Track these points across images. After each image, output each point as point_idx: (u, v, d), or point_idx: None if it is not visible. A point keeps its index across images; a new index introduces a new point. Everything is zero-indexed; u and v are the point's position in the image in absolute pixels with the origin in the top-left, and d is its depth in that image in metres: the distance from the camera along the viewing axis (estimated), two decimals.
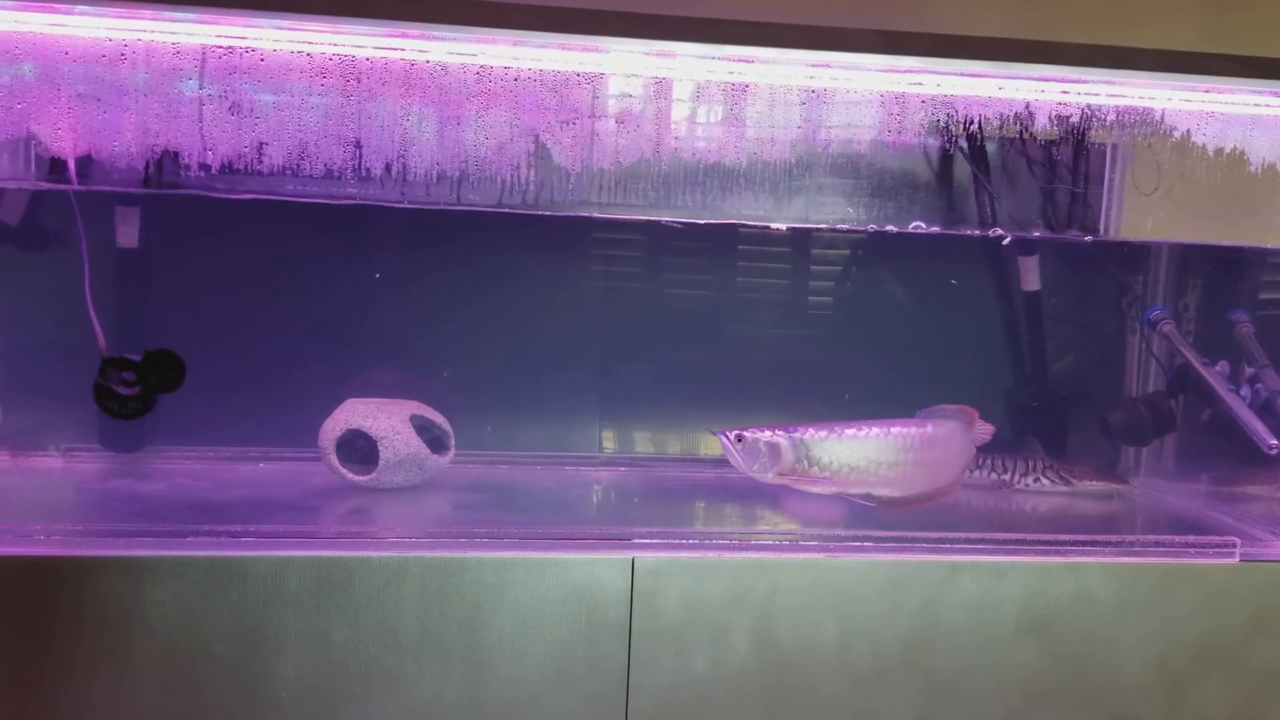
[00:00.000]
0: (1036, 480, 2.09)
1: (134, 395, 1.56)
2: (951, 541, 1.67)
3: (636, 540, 1.63)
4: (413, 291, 2.03)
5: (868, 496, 1.73)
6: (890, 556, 1.64)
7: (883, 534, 1.68)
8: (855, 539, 1.67)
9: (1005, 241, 2.01)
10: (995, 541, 1.69)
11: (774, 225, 1.79)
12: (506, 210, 1.71)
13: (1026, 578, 1.66)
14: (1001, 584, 1.65)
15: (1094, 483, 2.10)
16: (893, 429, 1.71)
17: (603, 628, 1.59)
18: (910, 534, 1.68)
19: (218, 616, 1.52)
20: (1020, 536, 1.71)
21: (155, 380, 1.56)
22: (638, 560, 1.59)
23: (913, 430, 1.72)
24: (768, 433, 1.68)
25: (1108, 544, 1.73)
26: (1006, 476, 2.09)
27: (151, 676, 1.52)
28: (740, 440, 1.68)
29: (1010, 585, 1.65)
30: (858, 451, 1.70)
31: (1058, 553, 1.69)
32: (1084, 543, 1.72)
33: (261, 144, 1.54)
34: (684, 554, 1.61)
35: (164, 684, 1.52)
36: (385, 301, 2.03)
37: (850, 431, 1.70)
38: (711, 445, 2.16)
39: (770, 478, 1.71)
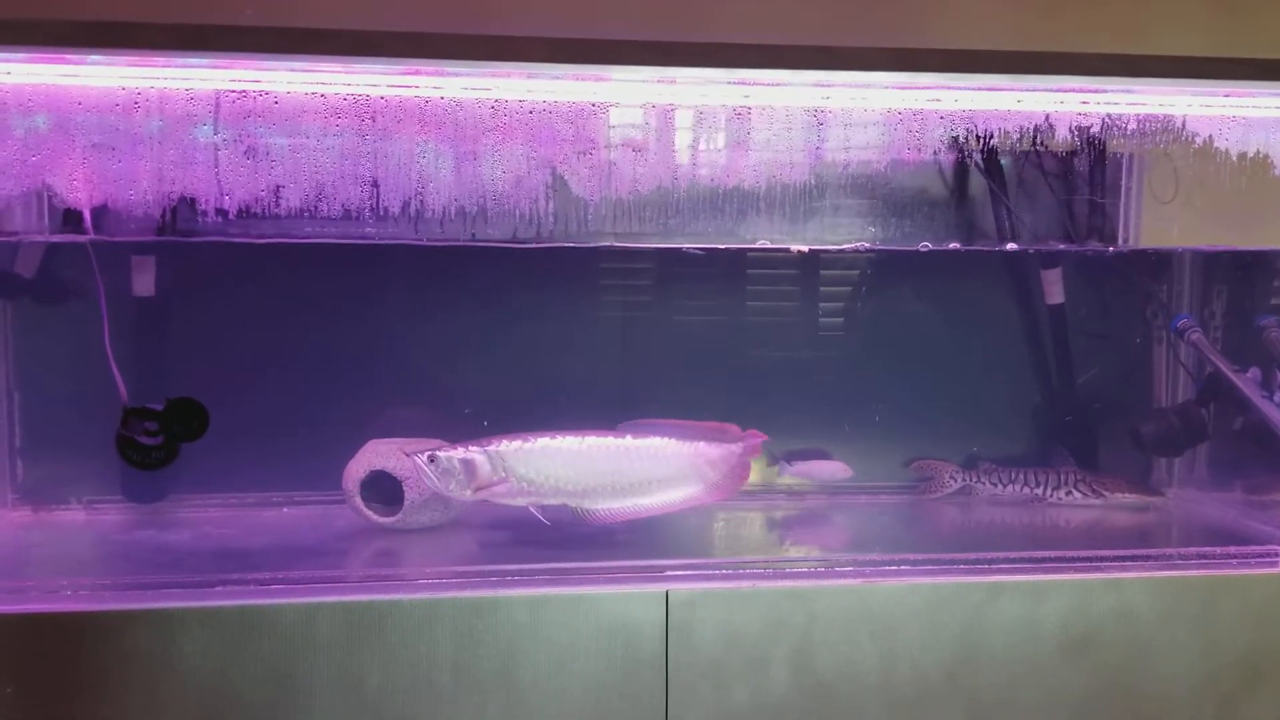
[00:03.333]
0: (1069, 494, 2.06)
1: (157, 445, 1.54)
2: (990, 562, 1.65)
3: (669, 572, 1.61)
4: (431, 329, 2.02)
5: (568, 508, 1.69)
6: (928, 579, 1.61)
7: (920, 557, 1.65)
8: (892, 563, 1.64)
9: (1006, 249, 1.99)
10: (1034, 560, 1.66)
11: (794, 248, 1.77)
12: (525, 245, 1.70)
13: (1067, 596, 1.63)
14: (1042, 603, 1.62)
15: (1127, 495, 2.07)
16: (587, 439, 1.67)
17: (639, 663, 1.56)
18: (948, 556, 1.65)
19: (249, 666, 1.50)
20: (1060, 554, 1.69)
21: (178, 429, 1.54)
22: (672, 593, 1.56)
23: (609, 440, 1.69)
24: (461, 449, 1.64)
25: (1148, 558, 1.70)
26: (1039, 490, 2.06)
27: None
28: (433, 460, 1.63)
29: (1051, 604, 1.62)
30: (554, 462, 1.66)
31: (1098, 569, 1.66)
32: (1124, 558, 1.69)
33: (278, 187, 1.53)
34: (718, 584, 1.59)
35: None
36: (404, 340, 2.01)
37: (545, 441, 1.66)
38: None
39: (469, 495, 1.66)
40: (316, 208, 1.56)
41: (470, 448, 1.63)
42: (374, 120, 1.52)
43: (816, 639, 1.58)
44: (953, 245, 1.97)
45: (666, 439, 1.71)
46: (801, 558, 1.68)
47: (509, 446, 1.64)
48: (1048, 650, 1.62)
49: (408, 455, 1.64)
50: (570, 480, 1.67)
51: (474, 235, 1.64)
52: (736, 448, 1.73)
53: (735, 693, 1.57)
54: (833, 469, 2.07)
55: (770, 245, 1.77)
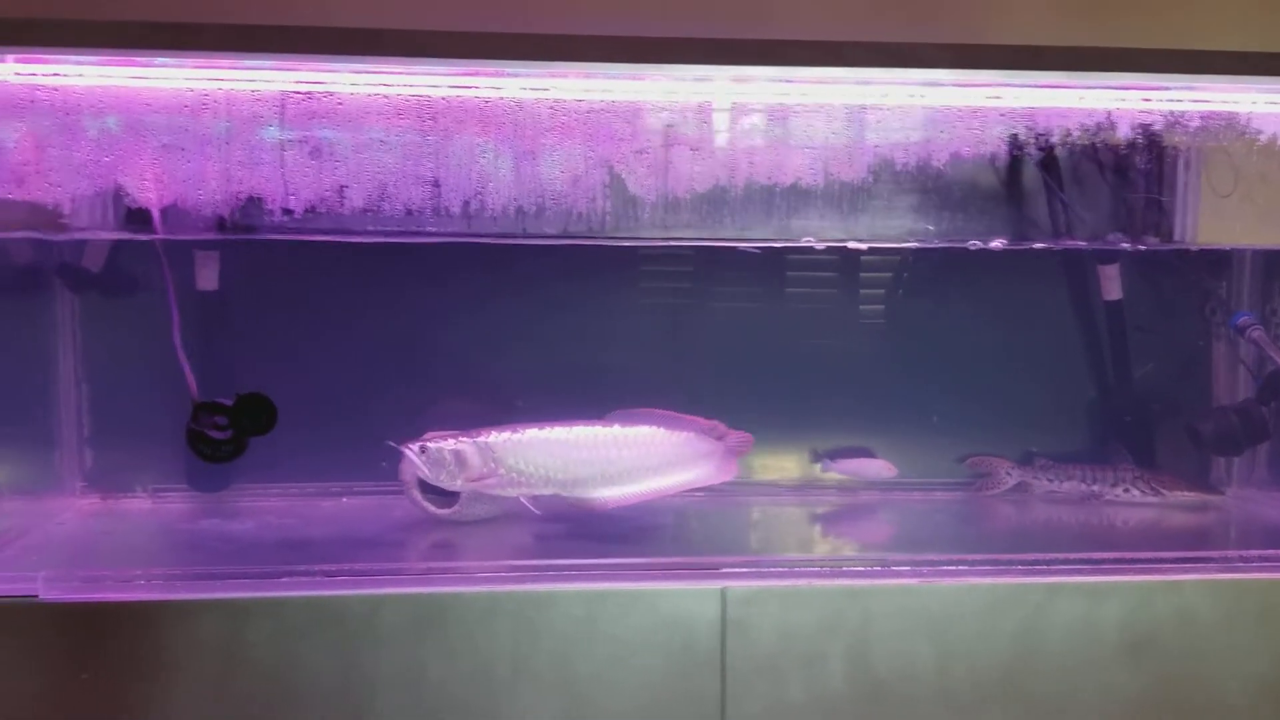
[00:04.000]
0: (1127, 491, 2.05)
1: (226, 439, 1.57)
2: (1048, 562, 1.64)
3: (726, 570, 1.61)
4: (488, 323, 2.03)
5: (560, 498, 1.71)
6: (986, 580, 1.61)
7: (977, 557, 1.65)
8: (950, 563, 1.64)
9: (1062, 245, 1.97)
10: (1093, 561, 1.65)
11: (852, 244, 1.76)
12: (581, 241, 1.71)
13: (1126, 598, 1.62)
14: (1101, 605, 1.61)
15: (1186, 493, 2.05)
16: (575, 428, 1.68)
17: (696, 659, 1.57)
18: (1006, 556, 1.65)
19: (314, 656, 1.53)
20: (1119, 555, 1.67)
21: (247, 423, 1.57)
22: (728, 590, 1.57)
23: (597, 430, 1.69)
24: (451, 440, 1.65)
25: (1209, 560, 1.69)
26: (1096, 488, 2.05)
27: (250, 717, 1.53)
28: (424, 451, 1.64)
29: (1110, 606, 1.61)
30: (543, 452, 1.67)
31: (1158, 571, 1.65)
32: (1184, 560, 1.68)
33: (342, 186, 1.55)
34: (775, 582, 1.59)
35: None
36: (462, 334, 2.03)
37: (533, 432, 1.67)
38: (789, 468, 2.14)
39: (460, 485, 1.67)
40: (379, 206, 1.58)
41: (461, 439, 1.65)
42: (435, 120, 1.54)
43: (873, 638, 1.59)
44: (996, 243, 1.95)
45: (654, 428, 1.73)
46: (858, 556, 1.69)
47: (498, 438, 1.66)
48: (1106, 652, 1.61)
49: (394, 446, 1.66)
50: (559, 470, 1.69)
51: (530, 231, 1.65)
52: (723, 442, 1.75)
53: (791, 690, 1.58)
54: (877, 467, 2.07)
55: (825, 242, 1.77)
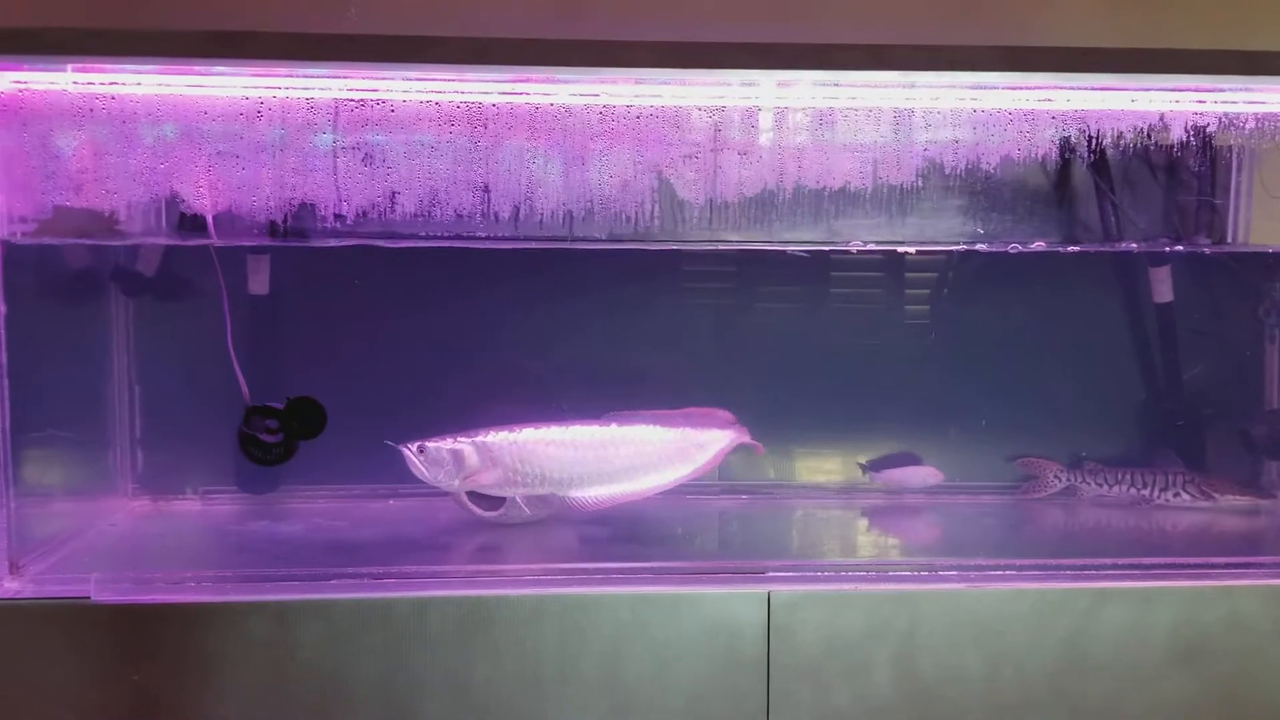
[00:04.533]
0: (1177, 495, 2.02)
1: (277, 442, 1.60)
2: (1098, 568, 1.63)
3: (771, 574, 1.61)
4: (534, 326, 2.05)
5: (557, 497, 1.72)
6: (1034, 585, 1.60)
7: (1026, 562, 1.64)
8: (997, 567, 1.63)
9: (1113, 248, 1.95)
10: (1143, 567, 1.64)
11: (902, 249, 1.76)
12: (629, 246, 1.72)
13: (1177, 603, 1.60)
14: (1150, 610, 1.60)
15: (1237, 497, 2.02)
16: (570, 428, 1.70)
17: (741, 664, 1.57)
18: (1054, 561, 1.64)
19: (362, 657, 1.55)
20: (1169, 561, 1.66)
21: (298, 427, 1.60)
22: (774, 594, 1.57)
23: (594, 429, 1.71)
24: (450, 440, 1.66)
25: (1261, 566, 1.67)
26: (1146, 491, 2.03)
27: (299, 717, 1.55)
28: (423, 451, 1.66)
29: (1160, 612, 1.60)
30: (539, 452, 1.69)
31: (1208, 576, 1.63)
32: (1236, 565, 1.66)
33: (394, 193, 1.56)
34: (820, 587, 1.59)
35: None
36: (507, 337, 2.04)
37: (529, 432, 1.68)
38: (835, 470, 2.14)
39: (457, 485, 1.69)
40: (430, 212, 1.59)
41: (459, 439, 1.67)
42: (485, 126, 1.55)
43: (919, 643, 1.58)
44: (1036, 245, 1.94)
45: (649, 425, 1.75)
46: (904, 561, 1.68)
47: (495, 437, 1.69)
48: (1155, 659, 1.60)
49: (394, 446, 1.68)
50: (556, 469, 1.71)
51: (578, 237, 1.66)
52: (726, 434, 1.78)
53: (836, 695, 1.58)
54: (923, 475, 2.05)
55: (873, 246, 1.76)
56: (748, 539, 1.91)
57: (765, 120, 1.62)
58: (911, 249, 1.74)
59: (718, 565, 1.64)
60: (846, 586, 1.59)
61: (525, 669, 1.56)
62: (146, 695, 1.53)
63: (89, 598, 1.53)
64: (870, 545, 1.92)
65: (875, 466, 2.09)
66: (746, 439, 1.83)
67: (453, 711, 1.56)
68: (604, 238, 1.68)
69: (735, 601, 1.58)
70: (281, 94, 1.53)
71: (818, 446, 2.15)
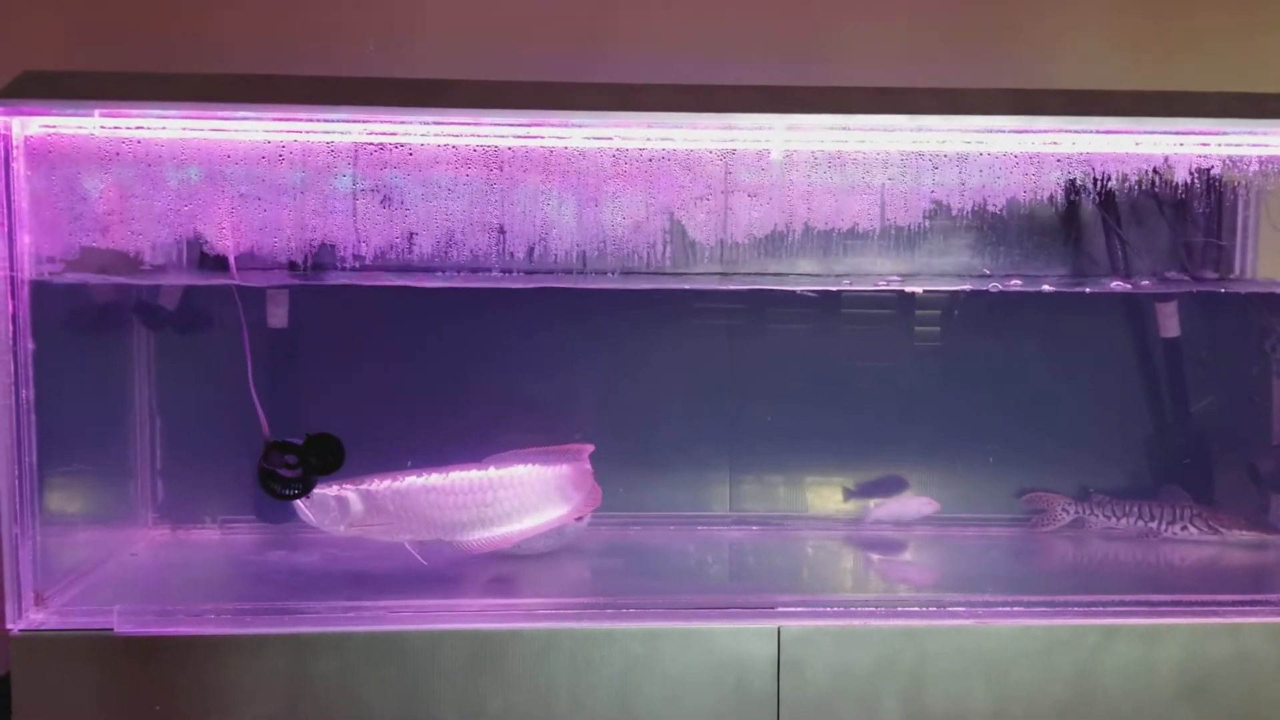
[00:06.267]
0: (1184, 529, 2.04)
1: (296, 477, 1.63)
2: (1105, 604, 1.64)
3: (781, 609, 1.63)
4: (549, 362, 2.07)
5: (441, 541, 1.74)
6: (1042, 622, 1.62)
7: (1034, 598, 1.65)
8: (1005, 604, 1.65)
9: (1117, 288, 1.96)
10: (1150, 604, 1.65)
11: (908, 288, 1.78)
12: (641, 286, 1.74)
13: (1184, 640, 1.62)
14: (1158, 647, 1.61)
15: (1245, 532, 2.03)
16: (451, 474, 1.73)
17: (751, 698, 1.59)
18: (1062, 598, 1.65)
19: (378, 690, 1.57)
20: (1176, 598, 1.67)
21: (315, 462, 1.63)
22: (783, 629, 1.59)
23: (472, 474, 1.74)
24: (335, 487, 1.69)
25: (1267, 603, 1.68)
26: (1153, 525, 2.04)
27: None
28: (309, 498, 1.69)
29: (1167, 648, 1.61)
30: (421, 499, 1.71)
31: (1215, 614, 1.65)
32: (1243, 603, 1.67)
33: (411, 234, 1.60)
34: (830, 622, 1.61)
35: None
36: (522, 373, 2.07)
37: (410, 479, 1.71)
38: (842, 502, 2.15)
39: (343, 530, 1.71)
40: (447, 252, 1.63)
41: (345, 486, 1.70)
42: (501, 169, 1.58)
43: (928, 678, 1.60)
44: (1045, 286, 1.95)
45: (527, 465, 1.77)
46: (913, 596, 1.70)
47: (380, 485, 1.71)
48: (1163, 696, 1.61)
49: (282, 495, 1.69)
50: (438, 515, 1.73)
51: (588, 272, 1.69)
52: (589, 468, 1.80)
53: None
54: (918, 505, 2.07)
55: (882, 287, 1.78)
56: (758, 572, 1.92)
57: (775, 162, 1.64)
58: (919, 288, 1.76)
59: (728, 600, 1.66)
60: (856, 622, 1.61)
61: (538, 701, 1.58)
62: None
63: (112, 629, 1.56)
64: (879, 579, 1.94)
65: (862, 492, 2.10)
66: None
67: None
68: (615, 275, 1.70)
69: (746, 636, 1.60)
70: (303, 137, 1.56)
71: (826, 477, 2.16)
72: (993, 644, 1.61)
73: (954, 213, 1.68)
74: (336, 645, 1.57)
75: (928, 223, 1.67)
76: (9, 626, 1.56)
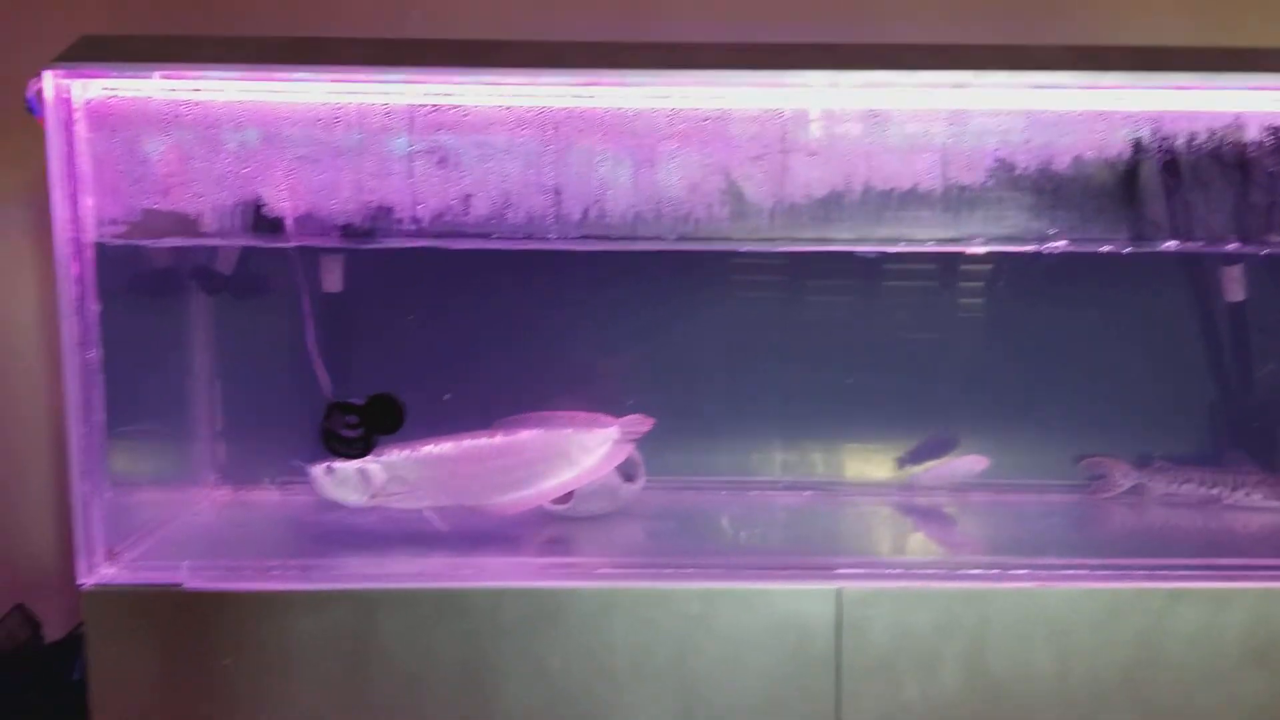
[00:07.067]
0: (1248, 496, 2.00)
1: (357, 438, 1.64)
2: (1170, 568, 1.62)
3: (840, 570, 1.63)
4: (600, 324, 2.07)
5: (459, 507, 1.77)
6: (1106, 585, 1.60)
7: (1097, 561, 1.63)
8: (1069, 566, 1.63)
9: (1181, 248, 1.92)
10: (1217, 567, 1.63)
11: (969, 249, 1.75)
12: (695, 248, 1.73)
13: (1251, 604, 1.59)
14: (1224, 611, 1.59)
15: None
16: (463, 441, 1.75)
17: (811, 659, 1.59)
18: (1126, 560, 1.63)
19: (442, 647, 1.59)
20: (1244, 562, 1.65)
21: (377, 423, 1.64)
22: (844, 590, 1.59)
23: (481, 441, 1.75)
24: (356, 460, 1.71)
25: None
26: (1216, 492, 2.00)
27: (382, 704, 1.59)
28: (330, 471, 1.71)
29: (1234, 612, 1.59)
30: (438, 466, 1.74)
31: None
32: None
33: (468, 195, 1.60)
34: (891, 583, 1.60)
35: (391, 712, 1.59)
36: (577, 334, 2.07)
37: (428, 448, 1.73)
38: (880, 467, 2.13)
39: (364, 502, 1.73)
40: (503, 214, 1.62)
41: (367, 457, 1.72)
42: (556, 129, 1.58)
43: (990, 641, 1.59)
44: (1107, 248, 1.91)
45: (540, 430, 1.79)
46: (975, 559, 1.68)
47: (398, 455, 1.74)
48: (1228, 659, 1.59)
49: (299, 467, 1.75)
50: (453, 482, 1.76)
51: (645, 237, 1.68)
52: (612, 432, 1.80)
53: (906, 691, 1.59)
54: (968, 464, 2.05)
55: (945, 248, 1.74)
56: (815, 535, 1.92)
57: (833, 120, 1.62)
58: (981, 249, 1.73)
59: (788, 560, 1.66)
60: (917, 583, 1.60)
61: (597, 660, 1.59)
62: (235, 681, 1.58)
63: (181, 584, 1.58)
64: (937, 542, 1.92)
65: (912, 456, 2.08)
66: (629, 440, 1.84)
67: (529, 700, 1.59)
68: (670, 238, 1.68)
69: (806, 597, 1.59)
70: (359, 99, 1.56)
71: (878, 442, 2.14)
72: (1055, 607, 1.59)
73: (1014, 173, 1.64)
74: (401, 602, 1.58)
75: (990, 181, 1.64)
76: (81, 581, 1.59)
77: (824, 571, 1.62)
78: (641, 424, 1.84)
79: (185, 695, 1.59)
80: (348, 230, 1.71)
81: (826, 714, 1.59)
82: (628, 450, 1.84)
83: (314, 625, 1.58)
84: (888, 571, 1.63)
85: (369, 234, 1.67)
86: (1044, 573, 1.62)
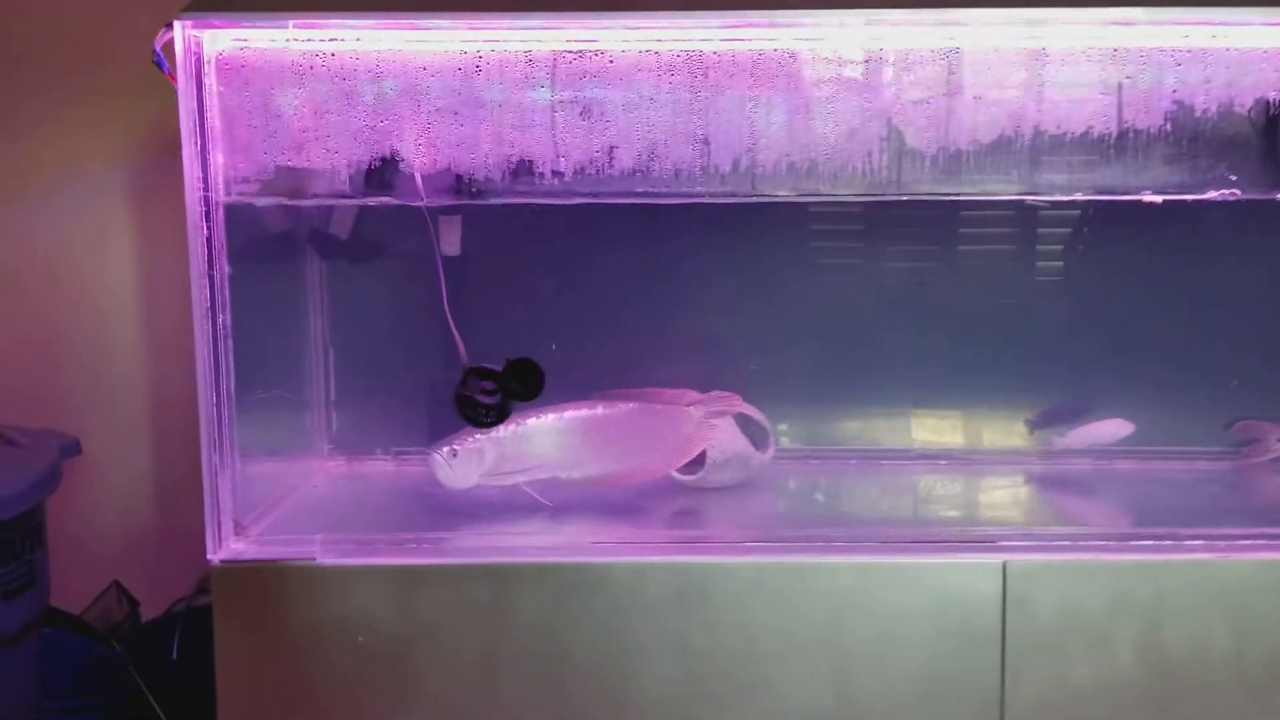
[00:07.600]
0: None
1: (494, 404, 1.58)
2: None
3: (1003, 543, 1.54)
4: (728, 285, 1.98)
5: (560, 480, 1.74)
6: None
7: (1277, 531, 1.54)
8: (1247, 536, 1.53)
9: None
10: None
11: (1145, 198, 1.64)
12: (843, 199, 1.64)
13: None
14: None
15: None
16: (565, 413, 1.74)
17: (972, 637, 1.51)
18: None
19: (581, 622, 1.53)
20: None
21: (515, 388, 1.58)
22: (1009, 564, 1.50)
23: (581, 413, 1.74)
24: (469, 441, 1.70)
25: None
26: None
27: (515, 680, 1.54)
28: (455, 454, 1.69)
29: None
30: (540, 440, 1.72)
31: None
32: None
33: (612, 147, 1.52)
34: (1057, 556, 1.52)
35: (528, 689, 1.54)
36: (703, 298, 1.99)
37: (532, 421, 1.72)
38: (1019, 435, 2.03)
39: (477, 481, 1.71)
40: (649, 167, 1.54)
41: (476, 436, 1.70)
42: (706, 76, 1.49)
43: (1164, 616, 1.50)
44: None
45: (639, 405, 1.77)
46: (1146, 530, 1.58)
47: (506, 431, 1.71)
48: None
49: (429, 453, 1.72)
50: (558, 455, 1.74)
51: (801, 191, 1.59)
52: (699, 411, 1.77)
53: (1075, 669, 1.51)
54: (1114, 428, 1.93)
55: (1119, 197, 1.64)
56: (969, 506, 1.83)
57: (1000, 62, 1.52)
58: (1157, 198, 1.63)
59: (947, 533, 1.58)
60: (1086, 556, 1.51)
61: (743, 637, 1.53)
62: (369, 657, 1.53)
63: (314, 559, 1.53)
64: (1098, 513, 1.83)
65: (1046, 420, 1.98)
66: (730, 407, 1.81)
67: (672, 678, 1.53)
68: (827, 192, 1.60)
69: (967, 571, 1.51)
70: (499, 47, 1.49)
71: (1010, 409, 2.04)
72: (1233, 579, 1.50)
73: (1193, 116, 1.54)
74: (539, 576, 1.52)
75: (1166, 126, 1.53)
76: (210, 556, 1.55)
77: (986, 544, 1.54)
78: (729, 401, 1.80)
79: (315, 674, 1.54)
80: (462, 187, 1.64)
81: (990, 694, 1.51)
82: (718, 427, 1.80)
83: (449, 600, 1.52)
84: (1055, 544, 1.54)
85: (503, 191, 1.60)
86: (1221, 543, 1.53)
